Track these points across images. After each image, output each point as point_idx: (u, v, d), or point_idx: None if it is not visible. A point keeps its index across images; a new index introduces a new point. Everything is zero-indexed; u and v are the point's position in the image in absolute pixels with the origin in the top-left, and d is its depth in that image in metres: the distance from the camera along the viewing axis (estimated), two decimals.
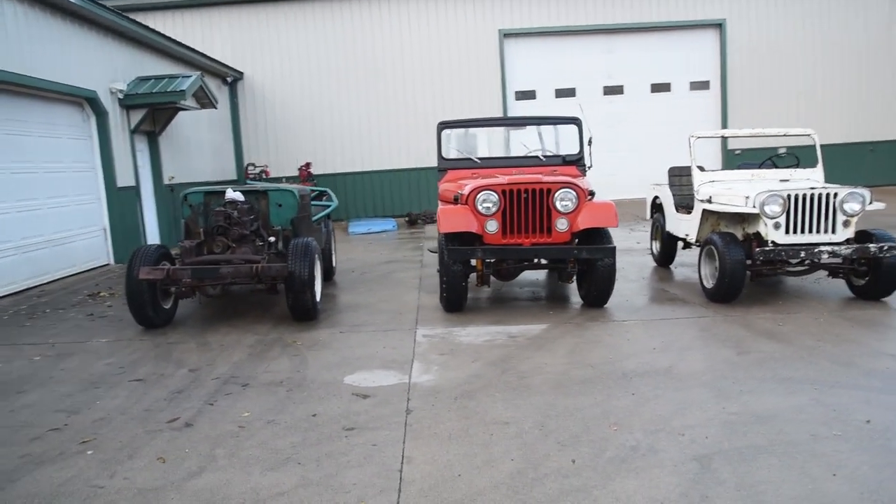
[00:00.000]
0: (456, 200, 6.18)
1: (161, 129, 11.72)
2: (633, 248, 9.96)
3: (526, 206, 5.97)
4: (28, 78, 8.28)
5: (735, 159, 16.84)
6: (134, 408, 4.07)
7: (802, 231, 6.00)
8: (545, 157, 7.27)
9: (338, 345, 5.34)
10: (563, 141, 7.96)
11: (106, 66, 10.19)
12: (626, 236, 11.20)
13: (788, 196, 5.94)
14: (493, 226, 5.97)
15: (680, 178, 8.23)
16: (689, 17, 16.78)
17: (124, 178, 10.43)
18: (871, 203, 5.99)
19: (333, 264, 8.50)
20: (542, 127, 7.92)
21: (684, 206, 7.81)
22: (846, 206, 5.92)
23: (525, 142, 7.65)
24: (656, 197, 8.42)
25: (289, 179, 15.08)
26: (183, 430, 3.70)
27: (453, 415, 3.77)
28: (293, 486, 3.00)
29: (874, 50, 17.07)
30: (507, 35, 16.82)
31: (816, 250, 5.82)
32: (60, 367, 4.99)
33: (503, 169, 7.09)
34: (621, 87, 17.25)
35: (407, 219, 15.57)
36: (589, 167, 7.21)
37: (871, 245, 5.79)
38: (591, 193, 6.16)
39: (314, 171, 15.63)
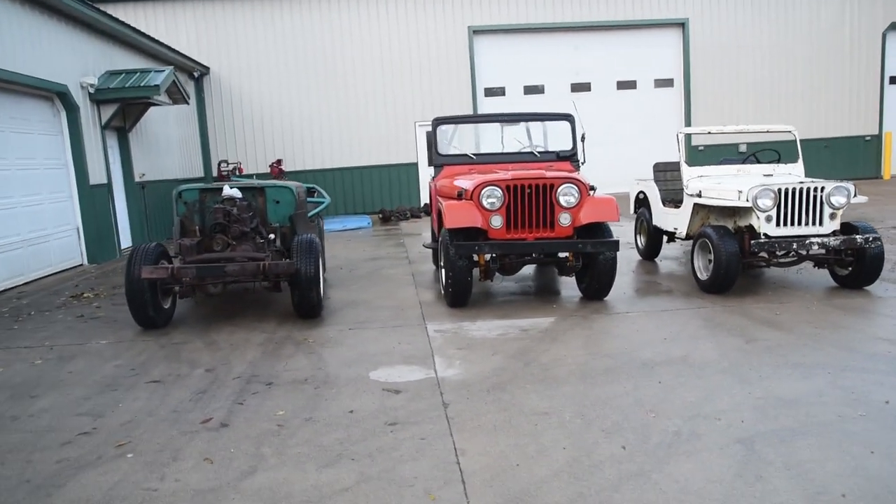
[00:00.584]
0: (460, 196, 6.22)
1: (131, 125, 11.38)
2: None
3: (529, 201, 6.06)
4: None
5: (698, 156, 17.43)
6: (160, 409, 3.99)
7: (792, 223, 6.25)
8: (539, 153, 7.38)
9: (350, 341, 5.32)
10: (553, 137, 8.08)
11: (76, 60, 9.83)
12: None
13: (779, 190, 6.19)
14: (497, 221, 6.04)
15: (665, 174, 8.47)
16: (653, 16, 17.21)
17: (96, 176, 10.09)
18: (855, 196, 6.29)
19: (325, 262, 8.43)
20: (531, 123, 8.03)
21: (671, 200, 8.04)
22: (833, 200, 6.20)
23: (517, 138, 7.74)
24: (641, 192, 8.64)
25: (259, 176, 14.84)
26: (220, 430, 3.64)
27: (491, 407, 3.82)
28: (354, 481, 3.00)
29: (827, 51, 17.84)
30: (476, 32, 16.91)
31: (808, 242, 6.09)
32: (67, 371, 4.83)
33: (499, 165, 7.18)
34: (588, 84, 17.57)
35: (380, 216, 15.52)
36: (582, 163, 7.35)
37: (857, 237, 6.09)
38: (592, 188, 6.29)
39: (285, 167, 15.39)
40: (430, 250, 10.31)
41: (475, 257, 6.21)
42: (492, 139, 8.33)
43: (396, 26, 16.58)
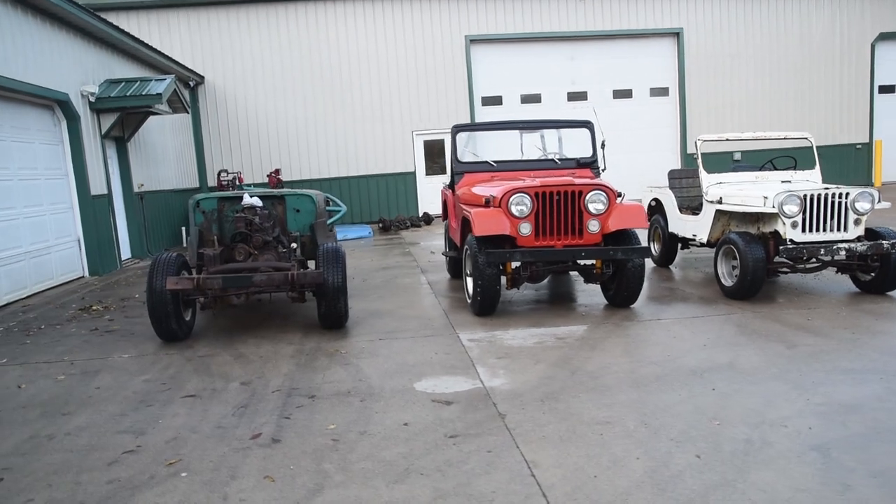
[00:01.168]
0: (487, 203, 6.14)
1: (130, 134, 11.17)
2: None
3: (558, 208, 6.00)
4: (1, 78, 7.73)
5: (694, 163, 17.50)
6: (203, 425, 3.83)
7: (817, 229, 6.26)
8: (560, 160, 7.33)
9: (384, 352, 5.20)
10: (569, 144, 8.06)
11: (76, 67, 9.63)
12: None
13: (805, 196, 6.20)
14: (526, 228, 5.96)
15: (680, 181, 8.47)
16: (648, 26, 17.36)
17: (97, 186, 9.87)
18: (879, 202, 6.32)
19: None
20: (546, 130, 8.00)
21: (689, 207, 8.03)
22: (857, 206, 6.22)
23: (536, 145, 7.70)
24: (654, 199, 8.62)
25: (256, 186, 14.65)
26: (273, 445, 3.50)
27: (550, 417, 3.73)
28: (430, 497, 2.88)
29: (818, 60, 18.12)
30: (473, 41, 16.92)
31: (835, 247, 6.09)
32: (94, 386, 4.65)
33: (521, 172, 7.12)
34: (585, 93, 17.65)
35: (380, 225, 15.40)
36: (603, 170, 7.32)
37: (884, 242, 6.11)
38: (620, 195, 6.24)
39: (283, 177, 15.22)
40: (436, 258, 10.24)
41: (502, 265, 6.13)
42: (505, 146, 8.26)
43: (394, 35, 16.54)
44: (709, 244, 7.34)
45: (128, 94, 9.97)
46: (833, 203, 6.25)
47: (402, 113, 16.73)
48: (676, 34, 17.51)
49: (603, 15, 17.16)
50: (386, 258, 10.78)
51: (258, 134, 16.09)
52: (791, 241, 6.24)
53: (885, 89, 18.72)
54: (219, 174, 12.98)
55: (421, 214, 16.45)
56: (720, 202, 7.05)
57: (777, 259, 6.33)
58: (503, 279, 6.33)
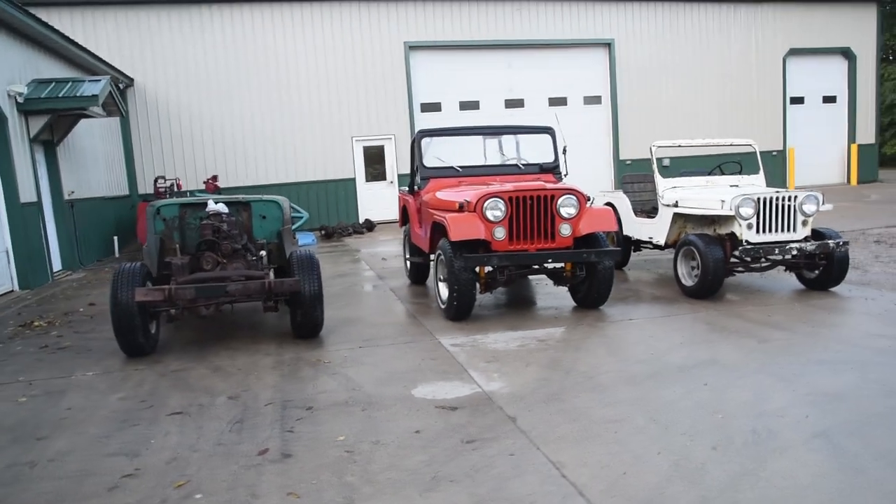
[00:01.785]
0: (461, 208, 6.15)
1: (60, 138, 10.48)
2: None
3: (531, 212, 6.08)
4: None
5: (626, 168, 18.22)
6: (201, 443, 3.63)
7: (769, 230, 6.63)
8: (524, 165, 7.44)
9: (369, 360, 5.10)
10: (527, 149, 8.18)
11: (2, 65, 8.95)
12: None
13: (758, 199, 6.56)
14: (500, 232, 6.01)
15: (633, 185, 8.76)
16: (581, 36, 17.91)
17: (26, 194, 9.19)
18: (823, 204, 6.76)
19: None
20: (504, 136, 8.10)
21: (643, 210, 8.32)
22: (805, 208, 6.63)
23: (500, 150, 7.78)
24: (608, 203, 8.88)
25: (192, 193, 14.07)
26: (285, 461, 3.37)
27: (560, 418, 3.76)
28: None
29: (737, 73, 19.24)
30: (412, 47, 16.93)
31: (788, 247, 6.47)
32: (65, 407, 4.32)
33: (486, 177, 7.17)
34: (522, 100, 17.99)
35: (322, 232, 15.11)
36: (565, 175, 7.48)
37: (829, 241, 6.54)
38: (589, 199, 6.39)
39: (220, 184, 14.67)
40: (389, 264, 10.15)
41: (476, 270, 6.15)
42: (461, 151, 8.25)
43: (332, 40, 16.31)
44: (665, 246, 7.63)
45: (60, 95, 9.35)
46: (783, 206, 6.63)
47: (341, 119, 16.52)
48: (608, 45, 18.16)
49: (539, 24, 17.57)
50: (338, 265, 10.58)
51: (192, 139, 15.46)
52: (747, 241, 6.58)
53: (795, 100, 20.10)
54: (155, 181, 12.36)
55: (362, 221, 16.26)
56: (676, 205, 7.34)
57: (735, 258, 6.65)
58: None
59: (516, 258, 6.01)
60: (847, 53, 20.30)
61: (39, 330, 6.65)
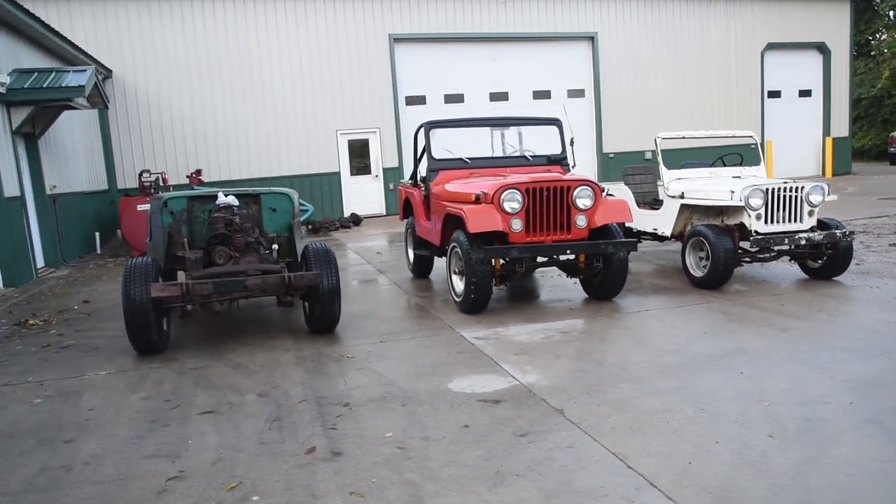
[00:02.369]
0: (477, 200, 6.07)
1: (42, 130, 10.11)
2: None
3: (547, 204, 6.04)
4: None
5: (609, 161, 18.34)
6: (243, 443, 3.51)
7: (777, 221, 6.70)
8: (531, 156, 7.39)
9: (394, 355, 5.01)
10: (531, 141, 8.13)
11: None
12: None
13: (767, 190, 6.62)
14: (518, 224, 5.95)
15: (633, 177, 8.78)
16: (565, 30, 17.94)
17: (10, 188, 8.84)
18: (828, 195, 6.86)
19: None
20: (513, 127, 8.04)
21: (645, 202, 8.35)
22: (811, 198, 6.71)
23: (503, 142, 7.72)
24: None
25: (176, 188, 13.71)
26: (336, 459, 3.26)
27: (607, 409, 3.73)
28: (542, 498, 2.78)
29: (716, 67, 19.49)
30: (397, 40, 16.76)
31: (797, 237, 6.54)
32: (86, 408, 4.14)
33: (495, 169, 7.10)
34: (506, 93, 17.96)
35: (309, 227, 14.88)
36: (573, 166, 7.45)
37: (836, 231, 6.63)
38: (604, 191, 6.37)
39: (204, 178, 14.34)
40: (385, 258, 10.04)
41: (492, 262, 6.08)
42: (467, 143, 8.18)
43: (316, 32, 16.05)
44: (672, 237, 7.67)
45: (44, 85, 8.99)
46: (790, 196, 6.71)
47: (325, 112, 16.28)
48: (591, 38, 18.22)
49: (523, 17, 17.54)
50: None
51: (173, 133, 15.07)
52: (756, 232, 6.63)
53: (772, 94, 20.46)
54: (140, 174, 11.99)
55: (348, 215, 16.07)
56: (682, 197, 7.38)
57: (748, 249, 6.69)
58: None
59: (536, 250, 5.96)
60: (822, 48, 20.73)
61: (37, 329, 6.39)
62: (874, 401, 3.68)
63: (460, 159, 7.20)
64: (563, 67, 18.18)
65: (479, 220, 5.84)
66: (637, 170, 8.84)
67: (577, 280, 7.07)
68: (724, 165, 8.14)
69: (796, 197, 6.71)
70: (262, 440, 3.53)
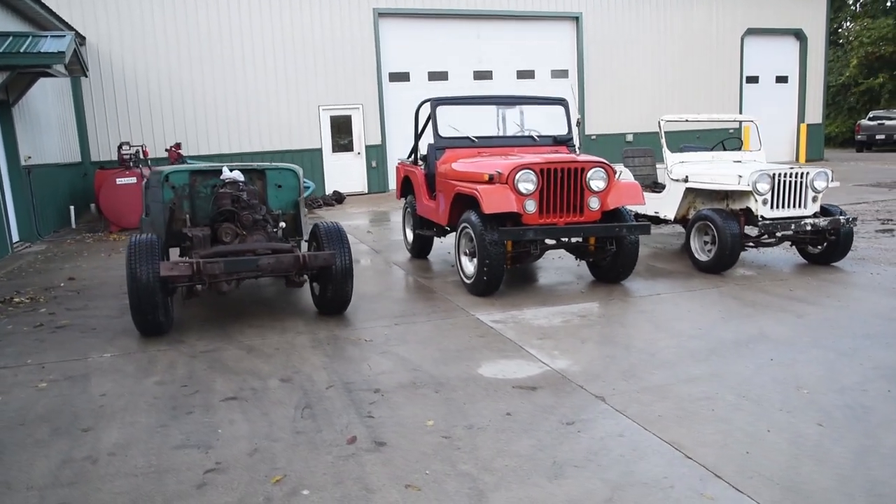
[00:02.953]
0: (490, 180, 5.93)
1: (16, 98, 9.57)
2: None
3: (560, 185, 5.93)
4: None
5: (591, 143, 18.32)
6: (277, 432, 3.34)
7: (782, 206, 6.72)
8: (538, 137, 7.26)
9: (413, 338, 4.87)
10: (537, 121, 8.00)
11: None
12: None
13: (774, 175, 6.62)
14: (532, 205, 5.84)
15: (633, 160, 8.73)
16: (550, 9, 17.74)
17: None
18: (832, 181, 6.90)
19: None
20: (514, 107, 7.90)
21: (647, 185, 8.31)
22: (815, 184, 6.75)
23: (509, 121, 7.57)
24: None
25: (154, 162, 13.22)
26: (381, 449, 3.13)
27: (648, 396, 3.66)
28: (608, 490, 2.70)
29: (697, 50, 19.53)
30: (381, 14, 16.35)
31: (802, 222, 6.58)
32: (99, 394, 3.91)
33: (503, 148, 6.97)
34: (490, 72, 17.72)
35: None
36: (579, 147, 7.35)
37: (840, 217, 6.68)
38: (616, 173, 6.29)
39: (183, 151, 13.84)
40: (379, 237, 9.85)
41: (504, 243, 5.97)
42: (470, 121, 8.01)
43: (300, 4, 15.54)
44: (675, 221, 7.65)
45: (21, 50, 8.48)
46: (794, 182, 6.73)
47: (307, 87, 15.84)
48: (576, 18, 18.07)
49: None
50: None
51: (150, 105, 14.49)
52: (762, 217, 6.65)
53: (750, 80, 20.65)
54: (119, 147, 11.48)
55: (331, 193, 15.75)
56: (686, 180, 7.35)
57: (756, 234, 6.70)
58: None
59: (552, 232, 5.87)
60: (799, 35, 20.96)
61: (24, 307, 6.07)
62: None
63: (467, 138, 7.03)
64: (547, 47, 18.01)
65: (494, 201, 5.71)
66: (636, 152, 8.79)
67: (580, 262, 7.04)
68: (724, 149, 8.14)
69: (801, 182, 6.73)
70: (297, 429, 3.37)
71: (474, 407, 3.59)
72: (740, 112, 20.06)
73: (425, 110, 7.55)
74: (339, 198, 15.40)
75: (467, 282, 6.17)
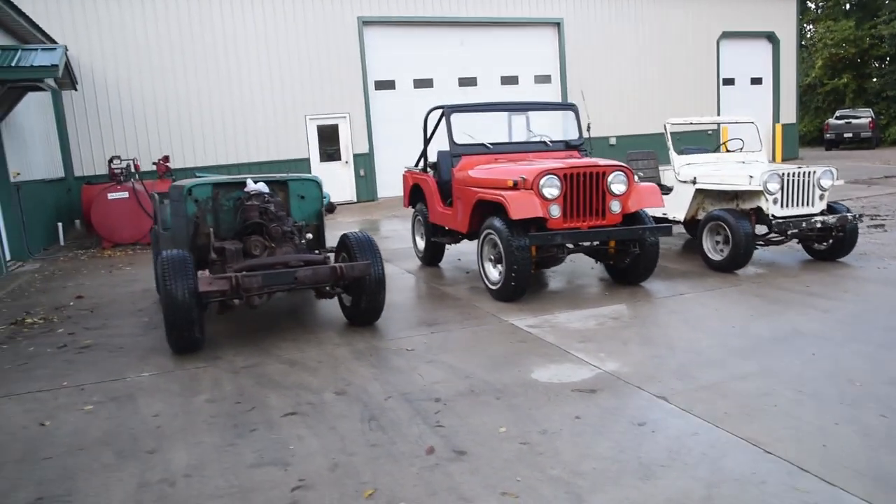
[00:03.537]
0: (515, 186, 5.96)
1: (4, 113, 9.31)
2: None
3: (582, 189, 6.00)
4: None
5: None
6: (350, 446, 3.30)
7: (791, 205, 6.89)
8: (551, 142, 7.33)
9: (454, 346, 4.86)
10: (538, 126, 8.08)
11: None
12: None
13: (784, 174, 6.79)
14: (556, 210, 5.90)
15: (637, 163, 8.85)
16: (532, 15, 17.93)
17: None
18: (837, 179, 7.09)
19: None
20: (522, 113, 7.97)
21: None
22: (822, 182, 6.93)
23: (520, 127, 7.62)
24: None
25: (143, 175, 12.97)
26: (463, 458, 3.12)
27: (707, 394, 3.72)
28: (704, 489, 2.73)
29: (675, 54, 19.92)
30: (366, 23, 16.34)
31: (813, 220, 6.74)
32: (151, 414, 3.82)
33: (518, 154, 7.02)
34: (475, 78, 17.83)
35: None
36: (590, 151, 7.43)
37: (848, 214, 6.87)
38: (636, 176, 6.38)
39: (171, 165, 13.60)
40: (384, 246, 9.80)
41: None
42: (481, 128, 8.03)
43: (284, 14, 15.45)
44: (684, 222, 7.78)
45: (13, 64, 8.27)
46: (803, 181, 6.90)
47: (293, 97, 15.74)
48: (557, 24, 18.29)
49: (490, 2, 17.41)
50: None
51: (134, 118, 14.22)
52: (773, 216, 6.80)
53: (727, 82, 21.13)
54: (110, 161, 11.23)
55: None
56: (695, 182, 7.48)
57: (769, 233, 6.86)
58: None
59: (578, 236, 5.92)
60: (771, 37, 21.53)
61: (39, 328, 5.90)
62: None
63: (482, 144, 7.06)
64: (530, 53, 18.19)
65: (521, 207, 5.74)
66: (639, 155, 8.92)
67: (594, 266, 7.11)
68: (727, 151, 8.31)
69: (808, 181, 6.91)
70: (370, 441, 3.34)
71: (541, 412, 3.60)
72: (718, 114, 20.50)
73: (434, 118, 7.57)
74: (330, 208, 15.28)
75: (492, 288, 6.18)
